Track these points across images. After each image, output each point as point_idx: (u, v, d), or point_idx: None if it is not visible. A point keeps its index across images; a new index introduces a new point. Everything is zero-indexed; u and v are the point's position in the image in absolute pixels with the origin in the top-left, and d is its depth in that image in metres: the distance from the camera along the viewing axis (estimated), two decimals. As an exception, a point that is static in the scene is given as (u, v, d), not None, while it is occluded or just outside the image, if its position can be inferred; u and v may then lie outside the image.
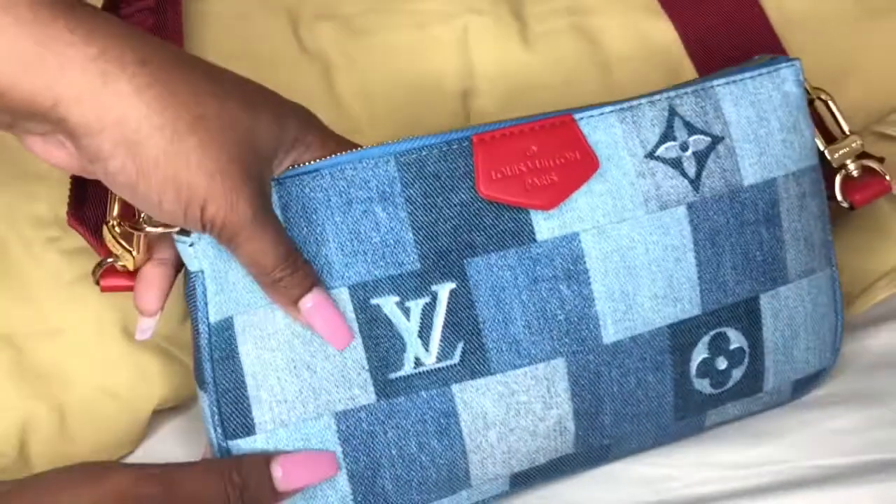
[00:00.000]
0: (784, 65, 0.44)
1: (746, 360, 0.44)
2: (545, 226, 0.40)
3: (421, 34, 0.50)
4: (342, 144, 0.39)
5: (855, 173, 0.46)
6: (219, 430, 0.38)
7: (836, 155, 0.45)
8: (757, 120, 0.43)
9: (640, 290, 0.41)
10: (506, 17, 0.51)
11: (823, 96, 0.45)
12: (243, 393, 0.38)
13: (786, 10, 0.51)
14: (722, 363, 0.43)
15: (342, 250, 0.39)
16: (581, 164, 0.40)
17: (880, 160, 0.46)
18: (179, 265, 0.39)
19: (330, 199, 0.38)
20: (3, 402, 0.45)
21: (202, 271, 0.37)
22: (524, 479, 0.43)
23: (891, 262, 0.49)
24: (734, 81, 0.43)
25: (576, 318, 0.40)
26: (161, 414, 0.48)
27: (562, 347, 0.40)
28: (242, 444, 0.39)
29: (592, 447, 0.43)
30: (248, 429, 0.38)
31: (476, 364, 0.40)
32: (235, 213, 0.35)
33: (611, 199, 0.41)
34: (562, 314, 0.40)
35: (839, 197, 0.46)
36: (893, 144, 0.50)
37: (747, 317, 0.43)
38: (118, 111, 0.32)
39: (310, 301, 0.37)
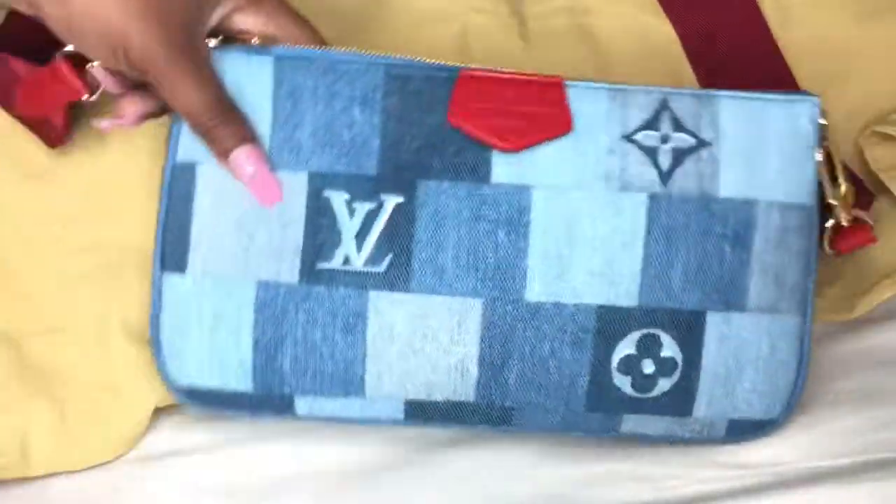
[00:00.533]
0: (802, 97, 0.43)
1: (678, 374, 0.43)
2: (503, 171, 0.42)
3: (420, 33, 0.51)
4: (279, 5, 0.42)
5: (844, 223, 0.44)
6: (158, 261, 0.42)
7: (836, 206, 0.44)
8: (755, 139, 0.43)
9: (575, 261, 0.41)
10: (505, 16, 0.52)
11: (828, 145, 0.44)
12: (186, 235, 0.42)
13: (786, 10, 0.51)
14: (648, 366, 0.42)
15: (314, 137, 0.42)
16: (552, 121, 0.42)
17: (869, 202, 0.43)
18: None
19: (317, 89, 0.42)
20: (3, 400, 0.45)
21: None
22: (419, 411, 0.43)
23: (894, 262, 0.47)
24: (741, 98, 0.43)
25: (504, 266, 0.41)
26: (160, 411, 0.47)
27: (483, 289, 0.41)
28: (173, 279, 0.42)
29: (494, 404, 0.43)
30: (181, 268, 0.42)
31: (398, 278, 0.41)
32: (153, 54, 0.38)
33: (573, 165, 0.42)
34: (492, 258, 0.41)
35: (826, 244, 0.44)
36: (894, 145, 0.48)
37: (688, 328, 0.42)
38: None
39: (240, 155, 0.40)
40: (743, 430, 0.44)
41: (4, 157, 0.47)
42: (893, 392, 0.45)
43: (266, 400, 0.43)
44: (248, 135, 0.41)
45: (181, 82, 0.39)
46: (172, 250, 0.42)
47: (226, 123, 0.40)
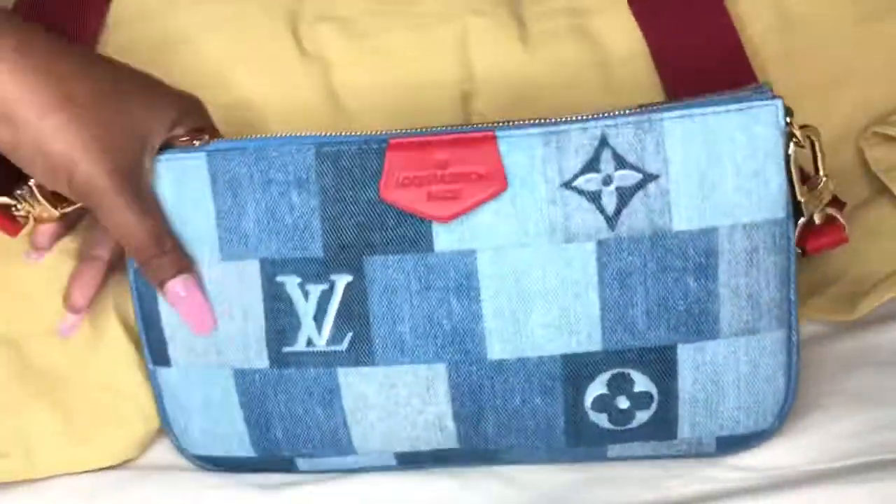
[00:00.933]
0: (759, 103, 0.39)
1: (654, 405, 0.42)
2: (445, 238, 0.41)
3: (420, 36, 0.51)
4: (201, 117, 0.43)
5: (818, 221, 0.41)
6: (147, 356, 0.45)
7: (811, 205, 0.41)
8: (706, 162, 0.40)
9: (531, 316, 0.41)
10: (505, 18, 0.51)
11: (811, 134, 0.40)
12: (160, 331, 0.44)
13: (785, 11, 0.50)
14: (623, 402, 0.42)
15: (258, 225, 0.42)
16: (488, 182, 0.40)
17: (841, 206, 0.41)
18: (114, 265, 0.45)
19: (252, 177, 0.42)
20: (5, 402, 0.46)
21: None
22: (411, 460, 0.45)
23: (894, 263, 0.46)
24: (690, 116, 0.40)
25: (462, 331, 0.41)
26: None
27: (445, 354, 0.42)
28: (163, 371, 0.45)
29: (477, 449, 0.44)
30: (166, 362, 0.45)
31: (361, 354, 0.42)
32: (94, 184, 0.39)
33: (515, 222, 0.40)
34: (448, 324, 0.41)
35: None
36: (894, 145, 0.47)
37: (658, 364, 0.41)
38: None
39: (175, 286, 0.42)
40: (733, 444, 0.44)
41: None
42: (893, 393, 0.44)
43: (270, 462, 0.46)
44: (183, 264, 0.42)
45: (122, 212, 0.40)
46: (155, 346, 0.45)
47: (162, 255, 0.41)
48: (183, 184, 0.42)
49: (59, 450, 0.46)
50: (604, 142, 0.40)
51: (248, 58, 0.51)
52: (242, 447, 0.45)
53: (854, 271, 0.47)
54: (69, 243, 0.47)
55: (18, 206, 0.43)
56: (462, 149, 0.40)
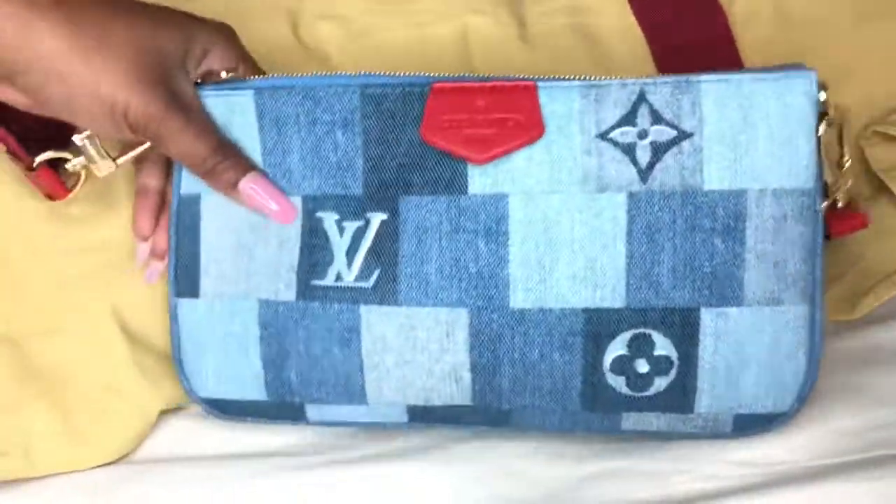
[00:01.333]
0: (794, 73, 0.41)
1: (674, 372, 0.42)
2: (479, 181, 0.42)
3: (420, 34, 0.51)
4: (253, 68, 0.44)
5: (840, 203, 0.41)
6: (172, 288, 0.46)
7: (834, 187, 0.41)
8: (740, 124, 0.40)
9: (557, 265, 0.41)
10: (505, 16, 0.51)
11: (841, 115, 0.41)
12: (196, 263, 0.45)
13: (785, 11, 0.50)
14: (642, 366, 0.42)
15: (303, 163, 0.44)
16: (524, 127, 0.41)
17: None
18: (163, 193, 0.47)
19: (299, 116, 0.44)
20: (5, 402, 0.46)
21: None
22: (422, 415, 0.45)
23: (894, 262, 0.46)
24: (725, 80, 0.41)
25: (486, 275, 0.42)
26: (161, 414, 0.48)
27: (467, 299, 0.42)
28: (187, 304, 0.46)
29: (491, 407, 0.44)
30: (194, 293, 0.45)
31: (386, 292, 0.43)
32: (149, 112, 0.41)
33: (548, 168, 0.41)
34: (474, 268, 0.42)
35: None
36: (894, 145, 0.47)
37: (681, 326, 0.41)
38: (40, 49, 0.39)
39: (248, 182, 0.43)
40: (751, 425, 0.43)
41: (4, 158, 0.47)
42: (893, 391, 0.44)
43: (280, 408, 0.46)
44: (248, 165, 0.44)
45: (181, 133, 0.42)
46: (185, 277, 0.45)
47: (226, 159, 0.43)
48: (230, 118, 0.44)
49: (58, 449, 0.46)
50: (641, 97, 0.41)
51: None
52: (254, 389, 0.45)
53: (854, 271, 0.47)
54: (69, 243, 0.48)
55: (73, 162, 0.45)
56: (503, 96, 0.42)
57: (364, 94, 0.43)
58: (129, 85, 0.41)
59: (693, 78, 0.41)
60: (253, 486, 0.46)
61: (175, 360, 0.46)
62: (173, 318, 0.46)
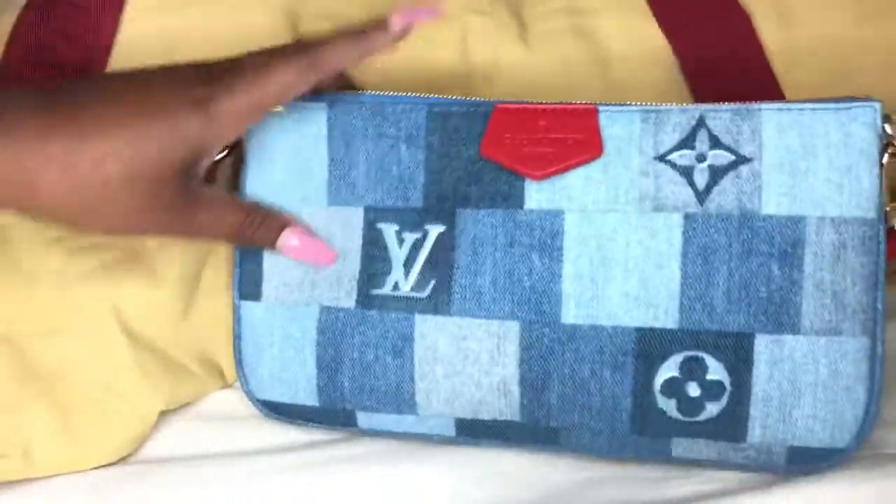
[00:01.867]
0: (858, 104, 0.41)
1: (726, 398, 0.41)
2: (535, 197, 0.43)
3: (420, 36, 0.48)
4: (282, 57, 0.40)
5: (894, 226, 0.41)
6: (236, 290, 0.48)
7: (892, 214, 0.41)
8: (800, 151, 0.41)
9: (610, 283, 0.42)
10: (505, 17, 0.52)
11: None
12: (259, 269, 0.47)
13: (786, 10, 0.50)
14: (694, 390, 0.42)
15: (367, 176, 0.45)
16: (583, 147, 0.42)
17: None
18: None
19: (367, 130, 0.46)
20: (4, 402, 0.46)
21: (247, 152, 0.47)
22: (469, 429, 0.45)
23: (894, 263, 0.43)
24: (787, 109, 0.41)
25: (540, 289, 0.42)
26: (161, 414, 0.49)
27: (519, 312, 0.43)
28: (249, 306, 0.47)
29: (539, 424, 0.44)
30: (256, 296, 0.47)
31: (440, 302, 0.44)
32: (171, 230, 0.40)
33: (605, 188, 0.42)
34: (528, 281, 0.43)
35: None
36: None
37: (735, 352, 0.41)
38: (35, 188, 0.36)
39: (285, 241, 0.45)
40: (807, 460, 0.42)
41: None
42: (893, 391, 0.43)
43: (331, 414, 0.47)
44: (282, 220, 0.45)
45: (206, 226, 0.41)
46: (248, 280, 0.47)
47: (260, 224, 0.44)
48: (300, 127, 0.46)
49: (58, 449, 0.46)
50: (701, 122, 0.42)
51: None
52: (307, 393, 0.46)
53: None
54: (68, 242, 0.48)
55: None
56: (563, 117, 0.43)
57: (430, 112, 0.45)
58: (137, 225, 0.39)
59: (754, 106, 0.41)
60: (253, 486, 0.46)
61: (236, 362, 0.48)
62: (236, 319, 0.48)
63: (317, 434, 0.49)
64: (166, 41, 0.52)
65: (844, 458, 0.42)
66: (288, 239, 0.45)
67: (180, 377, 0.49)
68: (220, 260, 0.50)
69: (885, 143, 0.41)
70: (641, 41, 0.51)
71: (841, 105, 0.41)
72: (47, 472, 0.46)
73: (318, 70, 0.41)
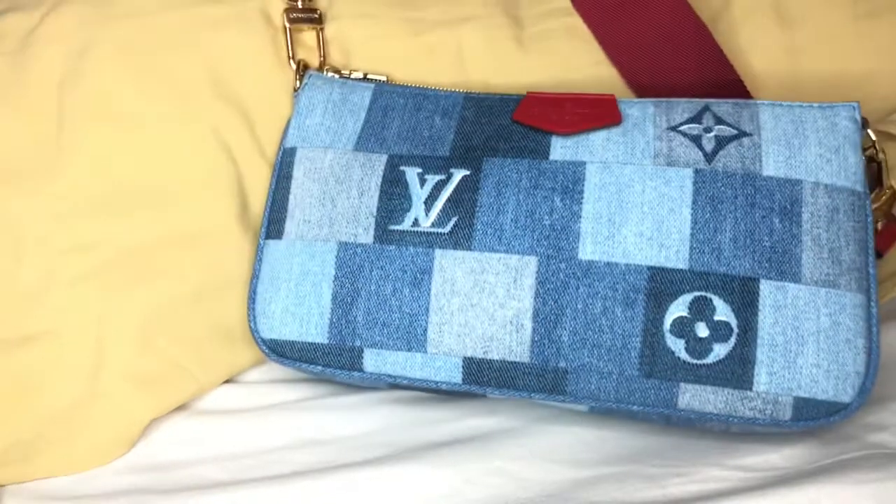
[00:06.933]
0: (839, 104, 0.47)
1: (733, 339, 0.43)
2: (560, 150, 0.47)
3: (416, 41, 0.52)
4: None
5: (879, 226, 0.45)
6: (263, 231, 0.49)
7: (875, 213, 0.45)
8: (793, 132, 0.46)
9: (626, 224, 0.44)
10: (500, 20, 0.52)
11: (880, 151, 0.46)
12: (285, 207, 0.49)
13: (785, 11, 0.51)
14: (702, 330, 0.43)
15: (398, 134, 0.49)
16: (603, 115, 0.47)
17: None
18: None
19: (406, 105, 0.50)
20: (2, 407, 0.46)
21: (295, 105, 0.50)
22: (476, 374, 0.45)
23: (895, 262, 0.47)
24: (780, 105, 0.47)
25: (559, 227, 0.45)
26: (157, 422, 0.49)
27: (538, 248, 0.45)
28: (272, 244, 0.48)
29: (548, 365, 0.44)
30: (279, 234, 0.48)
31: (461, 238, 0.46)
32: None
33: (624, 147, 0.46)
34: (548, 220, 0.45)
35: None
36: (894, 144, 0.49)
37: (741, 294, 0.43)
38: None
39: None
40: (811, 412, 0.42)
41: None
42: (893, 392, 0.44)
43: (338, 352, 0.46)
44: None
45: None
46: (274, 220, 0.49)
47: None
48: (346, 96, 0.50)
49: (51, 453, 0.46)
50: (706, 108, 0.47)
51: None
52: (319, 329, 0.46)
53: None
54: (60, 244, 0.48)
55: None
56: (587, 101, 0.48)
57: (468, 97, 0.50)
58: None
59: (750, 101, 0.48)
60: (253, 486, 0.45)
61: (249, 301, 0.48)
62: (258, 259, 0.48)
63: (317, 433, 0.48)
64: (162, 40, 0.52)
65: (848, 415, 0.42)
66: None
67: (176, 380, 0.49)
68: (210, 260, 0.50)
69: (865, 135, 0.46)
70: None
71: (825, 104, 0.47)
72: (46, 475, 0.47)
73: None
